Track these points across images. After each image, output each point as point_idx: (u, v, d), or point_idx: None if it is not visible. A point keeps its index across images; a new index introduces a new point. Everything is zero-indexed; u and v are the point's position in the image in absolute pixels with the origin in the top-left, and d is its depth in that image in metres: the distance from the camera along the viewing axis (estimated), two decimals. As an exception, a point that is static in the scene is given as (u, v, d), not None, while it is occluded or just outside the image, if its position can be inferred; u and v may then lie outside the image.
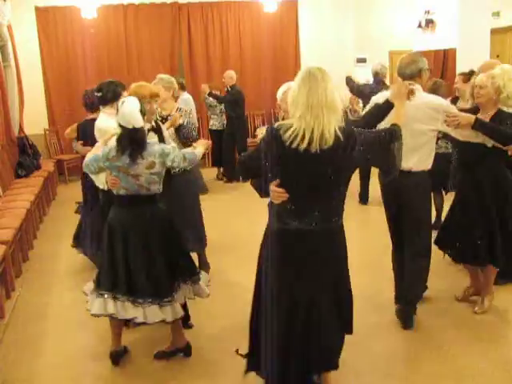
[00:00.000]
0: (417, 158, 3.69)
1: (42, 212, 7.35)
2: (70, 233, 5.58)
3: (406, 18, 9.69)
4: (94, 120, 4.35)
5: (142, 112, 3.29)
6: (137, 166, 3.24)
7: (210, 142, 3.88)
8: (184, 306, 3.62)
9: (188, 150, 3.62)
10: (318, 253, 2.73)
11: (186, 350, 3.61)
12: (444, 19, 8.56)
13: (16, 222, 5.31)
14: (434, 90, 5.37)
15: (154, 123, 3.88)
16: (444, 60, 10.82)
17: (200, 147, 3.72)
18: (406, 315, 3.88)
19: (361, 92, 7.01)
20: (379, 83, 7.22)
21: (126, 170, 3.26)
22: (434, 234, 4.10)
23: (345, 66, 10.23)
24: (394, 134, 2.77)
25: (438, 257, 4.23)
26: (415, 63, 3.73)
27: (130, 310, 3.32)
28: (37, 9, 9.68)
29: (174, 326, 3.51)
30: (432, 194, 5.85)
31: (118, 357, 3.60)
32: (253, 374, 3.04)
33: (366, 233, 6.28)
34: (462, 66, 7.09)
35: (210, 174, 9.17)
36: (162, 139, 3.81)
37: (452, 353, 3.57)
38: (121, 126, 3.23)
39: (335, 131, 2.56)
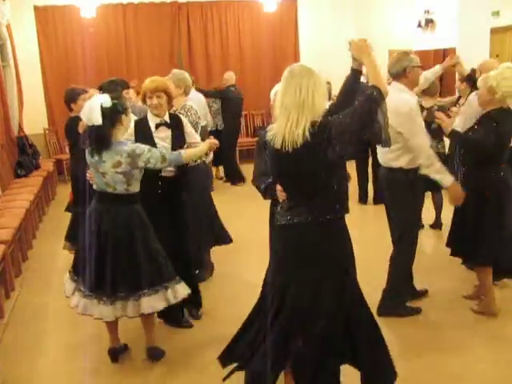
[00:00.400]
0: (408, 158, 3.73)
1: (41, 212, 7.35)
2: (69, 232, 5.58)
3: (405, 18, 9.67)
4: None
5: (117, 109, 3.31)
6: (103, 164, 3.30)
7: (215, 141, 3.76)
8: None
9: (182, 150, 3.59)
10: (313, 249, 2.68)
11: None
12: (444, 19, 8.56)
13: (15, 221, 5.30)
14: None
15: (167, 118, 3.82)
16: (444, 59, 10.79)
17: (203, 145, 3.72)
18: (380, 303, 3.99)
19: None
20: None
21: (95, 167, 3.35)
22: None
23: (344, 66, 10.25)
24: (371, 98, 2.51)
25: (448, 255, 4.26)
26: (399, 62, 3.79)
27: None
28: (36, 8, 9.67)
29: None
30: (431, 194, 5.92)
31: (116, 354, 3.61)
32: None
33: (365, 232, 6.27)
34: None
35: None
36: (179, 135, 3.80)
37: (452, 350, 3.57)
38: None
39: (303, 131, 2.50)
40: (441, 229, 5.98)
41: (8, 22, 8.61)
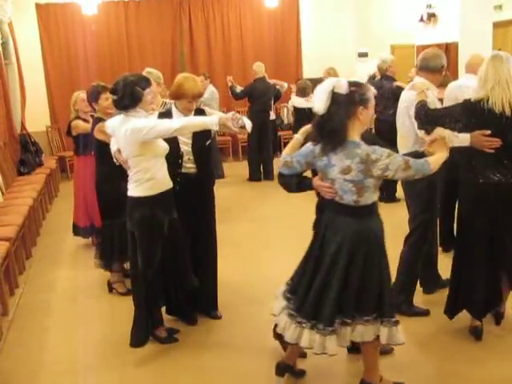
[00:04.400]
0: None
1: (44, 209, 7.36)
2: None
3: (407, 12, 9.64)
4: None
5: (354, 99, 2.75)
6: (332, 169, 2.82)
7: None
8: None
9: (427, 158, 2.90)
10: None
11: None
12: (445, 13, 8.52)
13: (19, 219, 5.32)
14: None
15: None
16: (446, 54, 10.73)
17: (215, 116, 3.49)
18: None
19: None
20: (387, 79, 7.02)
21: (324, 171, 2.89)
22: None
23: (346, 61, 10.25)
24: None
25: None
26: (440, 58, 3.80)
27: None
28: (37, 6, 9.67)
29: None
30: None
31: (284, 370, 3.20)
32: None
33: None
34: (463, 60, 7.05)
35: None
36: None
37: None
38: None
39: None
40: None
41: (10, 19, 8.61)
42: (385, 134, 6.63)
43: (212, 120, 3.37)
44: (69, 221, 5.95)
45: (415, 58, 9.45)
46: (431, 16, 8.71)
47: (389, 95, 6.61)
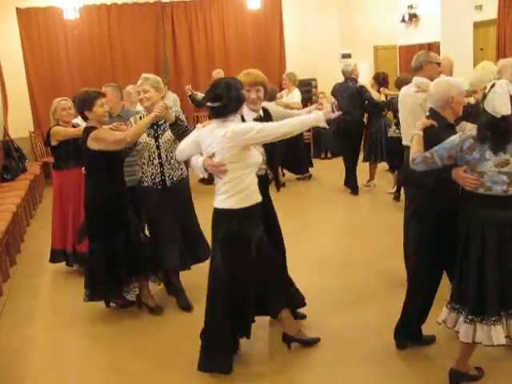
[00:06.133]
0: None
1: (28, 215, 7.30)
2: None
3: (389, 13, 9.71)
4: None
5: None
6: (485, 163, 2.96)
7: None
8: None
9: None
10: None
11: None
12: (427, 13, 8.59)
13: (2, 225, 5.27)
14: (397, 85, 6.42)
15: (261, 112, 3.65)
16: (428, 54, 10.85)
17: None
18: None
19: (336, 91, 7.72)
20: (352, 81, 7.53)
21: (473, 165, 3.00)
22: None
23: (330, 62, 10.30)
24: None
25: None
26: (417, 57, 4.37)
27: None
28: (18, 10, 9.57)
29: None
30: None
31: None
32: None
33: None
34: (445, 60, 7.12)
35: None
36: None
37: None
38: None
39: None
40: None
41: (-10, 24, 8.53)
42: (351, 132, 7.48)
43: (317, 116, 3.28)
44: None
45: (398, 59, 9.54)
46: (413, 17, 8.77)
47: (356, 95, 7.29)
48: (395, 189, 7.05)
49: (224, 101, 3.15)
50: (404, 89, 4.57)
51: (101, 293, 4.22)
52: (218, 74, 8.67)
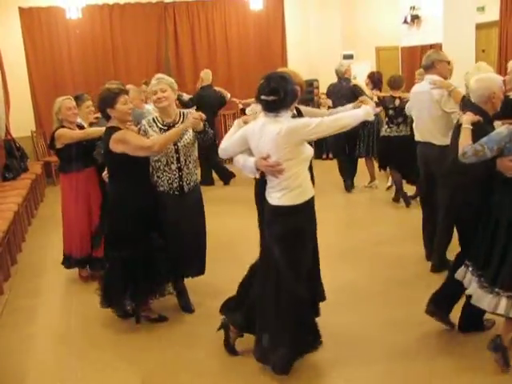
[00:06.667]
0: None
1: (30, 214, 7.30)
2: (58, 235, 5.52)
3: (391, 14, 9.72)
4: None
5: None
6: None
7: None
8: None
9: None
10: None
11: None
12: (429, 15, 8.60)
13: (4, 224, 5.27)
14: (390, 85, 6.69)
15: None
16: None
17: None
18: None
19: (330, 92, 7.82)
20: (346, 80, 7.62)
21: None
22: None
23: (332, 63, 10.28)
24: None
25: None
26: (428, 56, 4.51)
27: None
28: (21, 10, 9.59)
29: None
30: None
31: None
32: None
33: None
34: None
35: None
36: None
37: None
38: None
39: None
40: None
41: (-7, 24, 8.55)
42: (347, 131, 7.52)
43: (367, 110, 3.32)
44: (55, 226, 5.89)
45: (400, 60, 9.54)
46: (415, 18, 8.79)
47: (349, 95, 7.18)
48: (390, 183, 7.34)
49: (280, 94, 3.06)
50: (416, 87, 4.66)
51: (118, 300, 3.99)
52: (206, 74, 8.67)
